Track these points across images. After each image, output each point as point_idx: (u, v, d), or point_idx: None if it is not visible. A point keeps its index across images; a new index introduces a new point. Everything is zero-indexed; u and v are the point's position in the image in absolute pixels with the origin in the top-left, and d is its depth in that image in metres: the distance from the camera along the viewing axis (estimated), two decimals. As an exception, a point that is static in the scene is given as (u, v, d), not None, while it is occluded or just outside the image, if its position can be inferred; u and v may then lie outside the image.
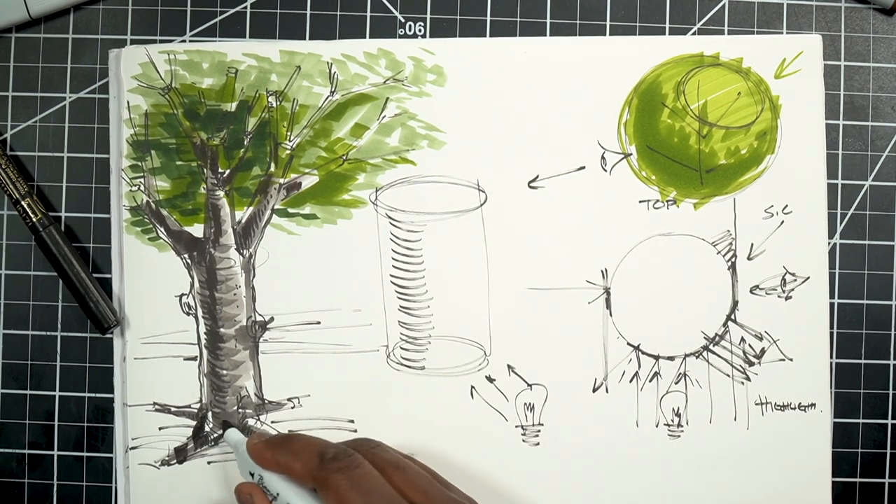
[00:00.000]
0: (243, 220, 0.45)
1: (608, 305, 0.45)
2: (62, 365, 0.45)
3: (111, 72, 0.45)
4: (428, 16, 0.46)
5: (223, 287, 0.45)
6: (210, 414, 0.44)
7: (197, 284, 0.45)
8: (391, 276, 0.45)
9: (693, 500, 0.44)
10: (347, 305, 0.44)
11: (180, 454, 0.44)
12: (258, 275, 0.45)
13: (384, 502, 0.35)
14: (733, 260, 0.45)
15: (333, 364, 0.44)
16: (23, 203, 0.44)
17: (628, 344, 0.45)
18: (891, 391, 0.46)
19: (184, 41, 0.45)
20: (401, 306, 0.45)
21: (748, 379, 0.45)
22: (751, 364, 0.45)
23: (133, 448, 0.44)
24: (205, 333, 0.45)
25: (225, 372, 0.44)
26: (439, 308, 0.45)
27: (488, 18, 0.46)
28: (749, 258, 0.45)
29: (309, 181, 0.45)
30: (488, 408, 0.45)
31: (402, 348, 0.45)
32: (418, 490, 0.37)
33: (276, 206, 0.45)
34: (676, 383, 0.45)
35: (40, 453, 0.45)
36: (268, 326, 0.45)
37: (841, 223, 0.46)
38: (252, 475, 0.40)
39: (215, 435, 0.44)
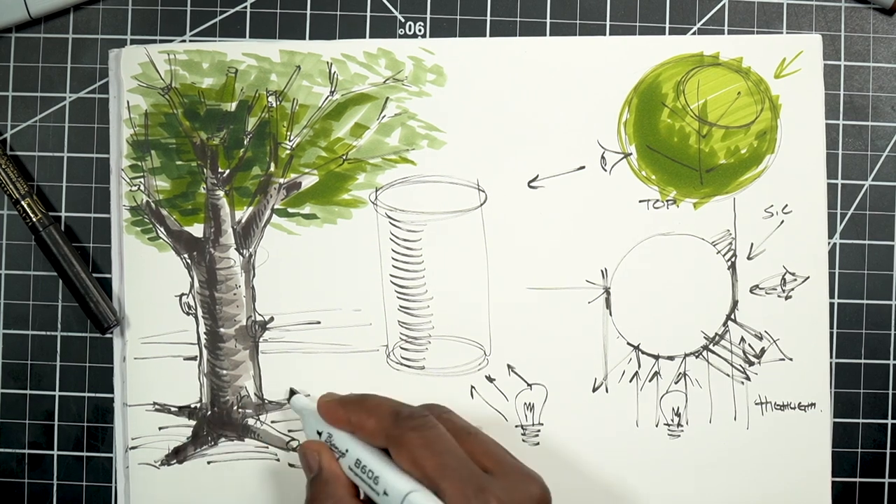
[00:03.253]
0: (243, 220, 0.45)
1: (608, 305, 0.45)
2: (62, 365, 0.45)
3: (111, 72, 0.45)
4: (428, 16, 0.46)
5: (223, 287, 0.45)
6: (210, 413, 0.44)
7: (197, 284, 0.44)
8: (391, 275, 0.45)
9: (693, 500, 0.44)
10: (347, 305, 0.44)
11: (180, 454, 0.44)
12: (258, 275, 0.45)
13: (456, 463, 0.35)
14: (733, 260, 0.45)
15: (333, 364, 0.44)
16: (23, 203, 0.44)
17: (628, 344, 0.45)
18: (890, 391, 0.46)
19: (184, 41, 0.45)
20: (401, 306, 0.45)
21: (748, 379, 0.45)
22: (751, 364, 0.45)
23: (133, 448, 0.44)
24: (205, 333, 0.45)
25: (225, 372, 0.44)
26: (439, 308, 0.45)
27: (488, 18, 0.46)
28: (749, 258, 0.45)
29: (309, 181, 0.45)
30: (488, 408, 0.45)
31: (401, 348, 0.45)
32: (489, 456, 0.37)
33: (275, 206, 0.45)
34: (676, 383, 0.45)
35: (40, 453, 0.45)
36: (268, 326, 0.44)
37: (841, 223, 0.46)
38: (320, 434, 0.40)
39: (214, 436, 0.44)
